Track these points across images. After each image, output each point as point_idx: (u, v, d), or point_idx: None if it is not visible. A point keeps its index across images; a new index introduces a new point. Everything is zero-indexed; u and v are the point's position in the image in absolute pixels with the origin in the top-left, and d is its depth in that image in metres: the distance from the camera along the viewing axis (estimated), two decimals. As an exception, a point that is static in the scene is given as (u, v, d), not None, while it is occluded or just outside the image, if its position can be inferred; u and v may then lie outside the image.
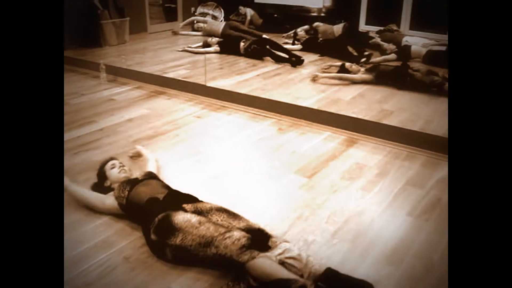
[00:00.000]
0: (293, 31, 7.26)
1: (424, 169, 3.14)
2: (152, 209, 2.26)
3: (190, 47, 6.47)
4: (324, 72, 5.21)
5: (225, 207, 2.29)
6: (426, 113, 4.08)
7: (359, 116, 3.89)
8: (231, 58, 6.18)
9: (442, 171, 3.11)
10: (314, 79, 5.03)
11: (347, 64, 5.17)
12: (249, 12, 8.24)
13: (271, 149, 3.45)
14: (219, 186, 2.85)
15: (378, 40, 6.41)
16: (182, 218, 2.11)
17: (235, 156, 3.34)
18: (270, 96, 4.38)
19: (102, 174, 2.70)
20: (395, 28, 7.22)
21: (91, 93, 4.83)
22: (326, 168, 3.16)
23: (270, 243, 2.04)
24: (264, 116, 4.14)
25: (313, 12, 8.87)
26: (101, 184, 2.68)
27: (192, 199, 2.37)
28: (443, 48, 5.84)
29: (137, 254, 2.23)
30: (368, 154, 3.40)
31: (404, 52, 5.86)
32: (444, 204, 2.71)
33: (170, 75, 5.23)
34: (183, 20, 8.50)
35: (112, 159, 2.76)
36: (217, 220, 2.16)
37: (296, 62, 5.78)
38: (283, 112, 4.11)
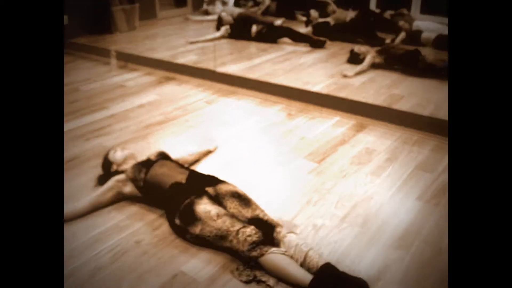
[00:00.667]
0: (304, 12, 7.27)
1: (434, 154, 3.13)
2: (178, 193, 2.30)
3: (194, 40, 6.42)
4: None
5: (239, 192, 2.32)
6: (436, 98, 4.04)
7: (369, 101, 3.87)
8: (241, 44, 6.16)
9: (452, 156, 3.09)
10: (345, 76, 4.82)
11: (356, 48, 5.12)
12: None
13: (280, 135, 3.45)
14: (229, 172, 2.87)
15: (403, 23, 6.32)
16: (203, 208, 2.15)
17: (245, 141, 3.36)
18: (280, 82, 4.37)
19: (106, 162, 2.71)
20: (405, 12, 7.12)
21: (102, 80, 4.86)
22: (335, 153, 3.16)
23: (275, 234, 2.08)
24: (274, 101, 4.13)
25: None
26: (107, 173, 2.69)
27: (212, 180, 2.40)
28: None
29: (149, 238, 2.26)
30: (378, 139, 3.39)
31: (414, 37, 5.80)
32: (454, 189, 2.70)
33: (180, 61, 5.23)
34: (192, 6, 8.47)
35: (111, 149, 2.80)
36: (230, 208, 2.22)
37: (316, 43, 5.84)
38: (293, 97, 4.10)
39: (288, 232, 2.09)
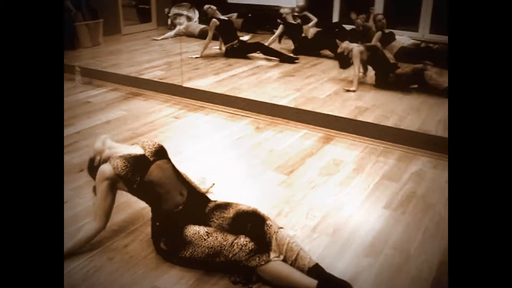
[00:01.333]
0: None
1: (399, 164, 3.23)
2: (169, 220, 2.18)
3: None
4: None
5: (216, 202, 2.30)
6: (400, 109, 4.18)
7: (335, 114, 3.97)
8: (207, 59, 6.19)
9: (416, 165, 3.21)
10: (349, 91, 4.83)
11: (338, 49, 5.11)
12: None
13: (249, 148, 3.49)
14: (200, 186, 2.87)
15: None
16: (192, 231, 2.08)
17: (215, 155, 3.37)
18: (247, 96, 4.43)
19: (91, 160, 2.38)
20: (368, 25, 7.34)
21: (67, 96, 4.78)
22: (304, 165, 3.22)
23: (266, 228, 2.07)
24: (242, 115, 4.18)
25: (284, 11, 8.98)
26: (92, 164, 2.37)
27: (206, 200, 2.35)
28: (414, 45, 5.99)
29: (121, 255, 2.24)
30: (345, 150, 3.48)
31: (387, 39, 5.93)
32: (420, 196, 2.80)
33: (146, 76, 5.22)
34: (157, 21, 8.48)
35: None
36: (214, 221, 2.19)
37: (288, 59, 5.99)
38: (260, 111, 4.16)
39: (279, 228, 2.09)
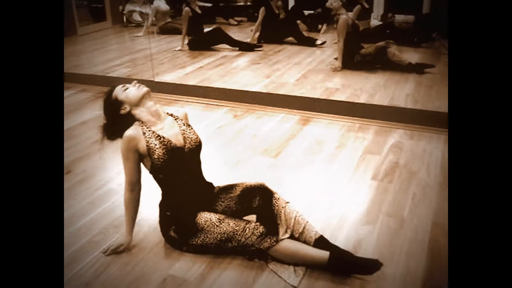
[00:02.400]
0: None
1: (378, 138, 3.39)
2: (183, 209, 2.18)
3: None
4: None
5: (220, 186, 2.32)
6: (368, 87, 4.34)
7: (309, 96, 4.09)
8: (170, 53, 6.16)
9: (394, 138, 3.38)
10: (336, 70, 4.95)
11: (328, 3, 5.07)
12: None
13: (232, 135, 3.55)
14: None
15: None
16: (203, 218, 2.11)
17: (199, 146, 3.41)
18: (219, 86, 4.47)
19: (113, 103, 2.15)
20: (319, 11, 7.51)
21: (34, 101, 4.67)
22: (288, 147, 3.32)
23: (274, 201, 2.14)
24: (218, 105, 4.22)
25: (240, 2, 9.06)
26: (114, 118, 2.17)
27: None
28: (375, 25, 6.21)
29: (127, 249, 2.26)
30: (324, 129, 3.60)
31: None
32: (402, 166, 2.96)
33: (113, 74, 5.16)
34: (112, 20, 8.34)
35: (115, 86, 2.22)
36: (222, 205, 2.24)
37: (247, 47, 6.06)
38: (235, 99, 4.22)
39: (286, 202, 2.15)
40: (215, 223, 2.09)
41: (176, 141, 2.12)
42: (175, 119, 2.22)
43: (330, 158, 3.12)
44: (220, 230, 2.08)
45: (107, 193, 2.77)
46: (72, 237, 2.37)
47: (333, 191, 2.71)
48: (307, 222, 2.11)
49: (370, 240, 2.25)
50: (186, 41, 6.28)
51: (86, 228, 2.44)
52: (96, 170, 3.08)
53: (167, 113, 2.25)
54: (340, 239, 2.25)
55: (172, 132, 2.15)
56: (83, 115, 4.15)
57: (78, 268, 2.14)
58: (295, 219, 2.09)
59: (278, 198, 2.15)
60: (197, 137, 2.21)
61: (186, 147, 2.15)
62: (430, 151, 3.16)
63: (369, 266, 1.95)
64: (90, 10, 8.35)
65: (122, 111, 2.15)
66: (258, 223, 2.08)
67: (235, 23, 8.09)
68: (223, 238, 2.08)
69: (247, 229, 2.05)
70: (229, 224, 2.08)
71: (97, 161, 3.20)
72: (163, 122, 2.17)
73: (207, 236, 2.10)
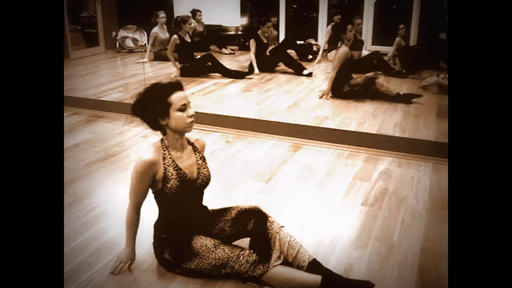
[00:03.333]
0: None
1: (367, 164, 3.47)
2: (179, 232, 2.20)
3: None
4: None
5: (215, 209, 2.35)
6: (357, 116, 4.44)
7: (300, 123, 4.17)
8: (162, 79, 6.24)
9: (383, 165, 3.46)
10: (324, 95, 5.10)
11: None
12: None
13: (224, 160, 3.60)
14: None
15: None
16: (199, 243, 2.12)
17: (191, 170, 3.45)
18: (211, 112, 4.54)
19: (162, 100, 2.05)
20: (314, 42, 7.70)
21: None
22: (279, 172, 3.37)
23: (268, 224, 2.16)
24: (209, 130, 4.28)
25: (231, 31, 9.25)
26: (151, 109, 2.09)
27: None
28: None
29: (122, 268, 2.27)
30: (314, 156, 3.67)
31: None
32: (391, 192, 3.03)
33: (105, 98, 5.20)
34: (105, 45, 8.44)
35: None
36: (216, 229, 2.26)
37: (237, 75, 6.18)
38: (227, 125, 4.29)
39: (281, 227, 2.17)
40: (210, 249, 2.10)
41: (190, 173, 2.15)
42: (194, 151, 2.25)
43: (321, 183, 3.18)
44: (215, 256, 2.09)
45: (100, 215, 2.78)
46: (65, 257, 2.37)
47: (324, 216, 2.76)
48: (300, 246, 2.14)
49: (360, 264, 2.29)
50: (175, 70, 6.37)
51: (79, 249, 2.44)
52: (88, 192, 3.09)
53: (188, 141, 2.26)
54: (331, 263, 2.28)
55: (188, 164, 2.17)
56: (75, 137, 4.17)
57: (72, 287, 2.14)
58: (289, 243, 2.11)
59: (273, 222, 2.18)
60: (209, 174, 2.25)
61: (198, 182, 2.19)
62: (418, 178, 3.24)
63: (362, 287, 1.99)
64: (83, 35, 8.45)
65: (161, 121, 2.09)
66: (251, 251, 2.10)
67: (228, 52, 8.24)
68: (217, 264, 2.09)
69: (241, 256, 2.07)
70: (224, 251, 2.10)
71: (89, 183, 3.21)
72: (183, 151, 2.18)
73: (201, 261, 2.11)
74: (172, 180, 2.08)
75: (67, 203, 2.91)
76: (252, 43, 6.47)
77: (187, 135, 2.22)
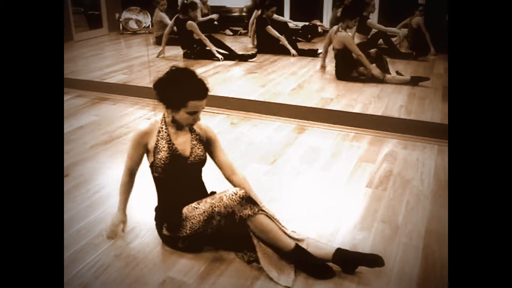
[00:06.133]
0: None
1: (372, 147, 3.45)
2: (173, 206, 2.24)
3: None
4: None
5: (211, 192, 2.38)
6: (362, 98, 4.41)
7: (304, 105, 4.15)
8: (168, 61, 6.21)
9: (387, 147, 3.44)
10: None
11: None
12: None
13: (228, 142, 3.59)
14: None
15: None
16: (186, 208, 2.17)
17: (196, 152, 3.45)
18: (215, 94, 4.51)
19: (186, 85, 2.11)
20: (319, 23, 7.62)
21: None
22: (284, 154, 3.37)
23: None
24: (214, 112, 4.27)
25: (235, 12, 9.15)
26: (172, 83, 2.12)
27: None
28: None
29: (126, 251, 2.29)
30: (319, 138, 3.66)
31: None
32: (396, 174, 3.02)
33: (109, 81, 5.19)
34: (109, 27, 8.39)
35: None
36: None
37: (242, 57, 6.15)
38: (232, 107, 4.27)
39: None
40: (194, 207, 2.14)
41: (182, 150, 2.21)
42: (190, 131, 2.27)
43: (326, 166, 3.17)
44: (200, 211, 2.11)
45: (105, 197, 2.79)
46: (71, 238, 2.39)
47: (329, 198, 2.76)
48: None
49: (365, 246, 2.29)
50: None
51: (85, 230, 2.46)
52: (93, 174, 3.11)
53: None
54: (336, 244, 2.28)
55: (181, 141, 2.23)
56: (80, 120, 4.17)
57: (77, 269, 2.16)
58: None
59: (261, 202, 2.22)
60: (203, 155, 2.28)
61: (189, 159, 2.22)
62: (423, 160, 3.23)
63: (372, 260, 2.04)
64: (87, 17, 8.40)
65: (170, 110, 2.15)
66: (238, 189, 2.12)
67: (231, 33, 8.17)
68: (206, 218, 2.10)
69: (224, 197, 2.08)
70: (206, 201, 2.13)
71: (94, 165, 3.22)
72: (181, 130, 2.24)
73: (191, 222, 2.14)
74: (162, 152, 2.16)
75: (72, 186, 2.92)
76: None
77: None
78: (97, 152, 3.47)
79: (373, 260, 2.03)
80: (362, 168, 3.11)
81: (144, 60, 6.25)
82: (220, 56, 6.06)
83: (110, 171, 3.15)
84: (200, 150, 2.27)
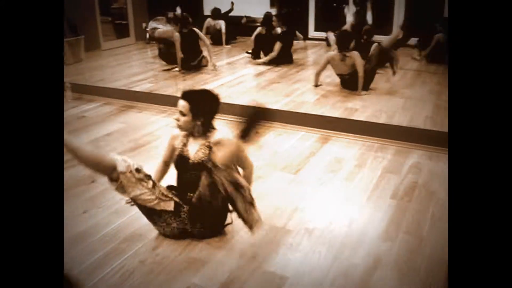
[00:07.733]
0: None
1: (397, 158, 3.43)
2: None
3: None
4: None
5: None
6: (387, 109, 4.38)
7: (328, 115, 4.15)
8: (192, 71, 6.29)
9: (413, 158, 3.41)
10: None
11: None
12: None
13: (253, 151, 3.60)
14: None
15: None
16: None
17: (220, 160, 3.48)
18: (239, 103, 4.55)
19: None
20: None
21: (59, 112, 4.80)
22: (308, 164, 3.37)
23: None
24: (238, 121, 4.29)
25: (258, 22, 9.21)
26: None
27: None
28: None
29: (151, 257, 2.32)
30: (343, 148, 3.65)
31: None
32: (421, 186, 2.99)
33: (136, 89, 5.28)
34: (136, 36, 8.55)
35: None
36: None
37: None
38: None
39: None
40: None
41: (186, 152, 2.59)
42: (207, 146, 2.56)
43: (350, 176, 3.16)
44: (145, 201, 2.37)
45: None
46: (96, 244, 2.43)
47: (353, 208, 2.75)
48: None
49: (389, 256, 2.27)
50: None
51: (110, 236, 2.50)
52: (120, 180, 3.15)
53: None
54: (360, 254, 2.28)
55: (193, 145, 2.60)
56: (107, 127, 4.26)
57: (103, 274, 2.20)
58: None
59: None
60: (203, 157, 2.52)
61: (191, 160, 2.53)
62: (449, 172, 3.19)
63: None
64: (114, 26, 8.59)
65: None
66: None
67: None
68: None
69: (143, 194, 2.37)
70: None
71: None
72: (198, 138, 2.61)
73: (145, 201, 2.37)
74: (176, 151, 2.63)
75: (99, 192, 2.98)
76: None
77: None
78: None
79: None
80: (386, 179, 3.09)
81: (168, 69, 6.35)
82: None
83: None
84: (202, 153, 2.53)
